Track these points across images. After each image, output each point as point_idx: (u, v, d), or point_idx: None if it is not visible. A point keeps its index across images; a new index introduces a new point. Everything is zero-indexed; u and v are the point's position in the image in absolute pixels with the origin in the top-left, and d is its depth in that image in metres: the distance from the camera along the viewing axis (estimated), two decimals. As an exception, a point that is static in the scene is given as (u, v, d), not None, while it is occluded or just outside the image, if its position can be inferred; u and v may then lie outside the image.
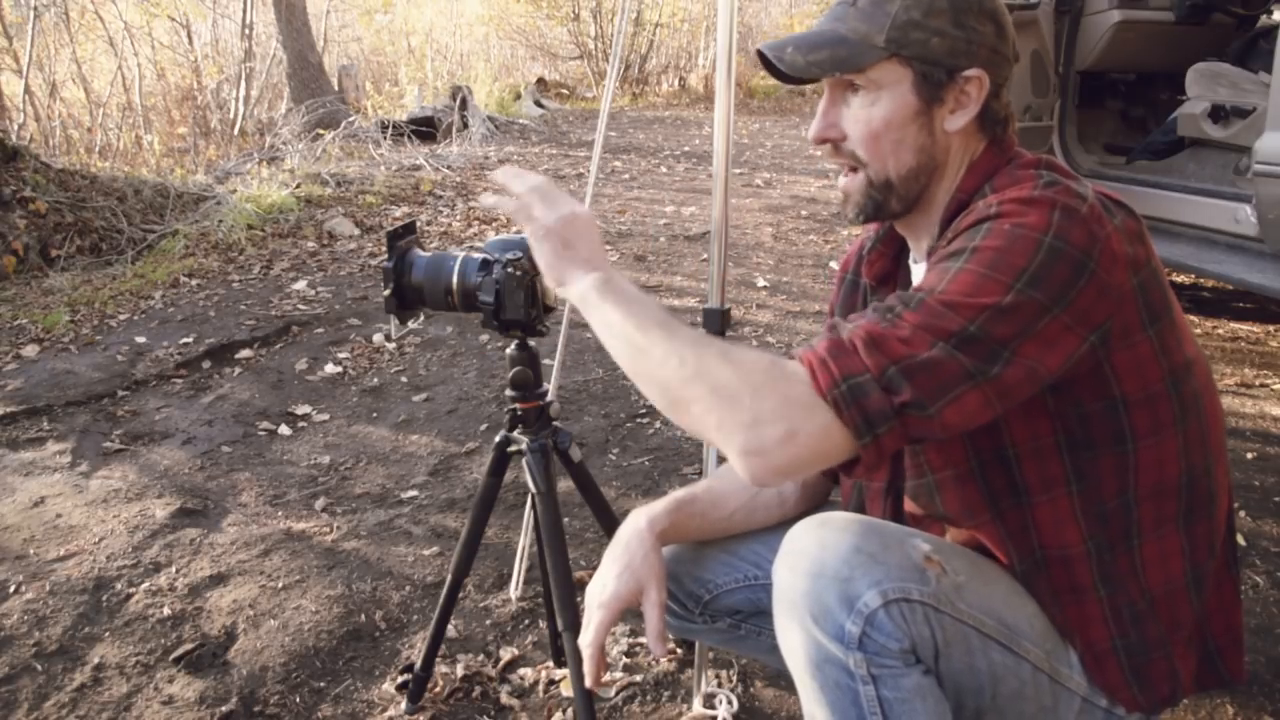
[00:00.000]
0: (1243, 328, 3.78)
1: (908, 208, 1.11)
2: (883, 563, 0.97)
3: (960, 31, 1.03)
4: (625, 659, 1.86)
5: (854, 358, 0.88)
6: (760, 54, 1.11)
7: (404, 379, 3.46)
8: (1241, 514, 2.34)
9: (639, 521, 1.21)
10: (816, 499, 1.35)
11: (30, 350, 3.73)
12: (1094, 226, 0.93)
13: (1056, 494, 1.03)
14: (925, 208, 1.11)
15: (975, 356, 0.88)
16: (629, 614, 1.97)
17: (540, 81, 13.64)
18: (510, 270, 1.36)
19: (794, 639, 1.00)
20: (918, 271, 1.17)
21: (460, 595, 2.01)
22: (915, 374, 0.87)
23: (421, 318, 1.53)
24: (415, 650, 1.91)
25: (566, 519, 2.27)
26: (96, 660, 1.92)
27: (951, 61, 1.04)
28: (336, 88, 10.78)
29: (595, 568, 1.21)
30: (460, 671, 1.83)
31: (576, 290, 1.04)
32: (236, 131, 9.57)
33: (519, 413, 1.50)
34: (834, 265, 4.85)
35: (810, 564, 0.98)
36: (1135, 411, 1.00)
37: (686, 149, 8.93)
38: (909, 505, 1.18)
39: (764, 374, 0.90)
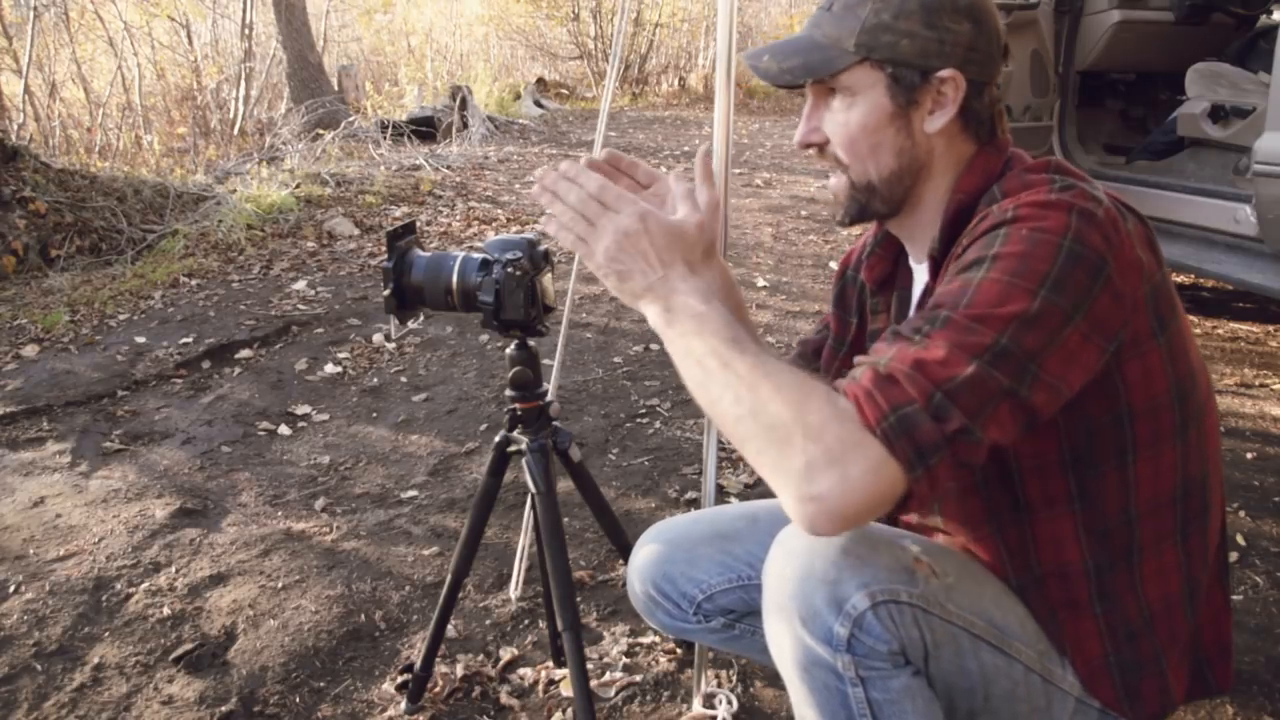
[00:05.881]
0: (1243, 328, 3.78)
1: (893, 210, 1.10)
2: (871, 564, 0.96)
3: (932, 32, 1.02)
4: (625, 659, 1.86)
5: (898, 387, 0.85)
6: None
7: (404, 379, 3.46)
8: (1241, 514, 2.34)
9: None
10: None
11: (30, 350, 3.73)
12: (1109, 231, 0.92)
13: (1058, 512, 1.02)
14: (914, 209, 1.10)
15: (1008, 373, 0.86)
16: (628, 615, 1.97)
17: (540, 81, 13.63)
18: (510, 270, 1.36)
19: (783, 641, 1.00)
20: (919, 271, 1.16)
21: (460, 595, 2.01)
22: (959, 395, 0.84)
23: (421, 318, 1.53)
24: (415, 650, 1.91)
25: (566, 519, 2.27)
26: (96, 660, 1.92)
27: (924, 63, 1.03)
28: (336, 88, 10.78)
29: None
30: (460, 671, 1.83)
31: (650, 321, 1.01)
32: (236, 131, 9.57)
33: (519, 413, 1.50)
34: (834, 265, 4.84)
35: (799, 566, 0.98)
36: (1139, 422, 0.99)
37: (686, 149, 8.93)
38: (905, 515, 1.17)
39: (816, 411, 0.86)
